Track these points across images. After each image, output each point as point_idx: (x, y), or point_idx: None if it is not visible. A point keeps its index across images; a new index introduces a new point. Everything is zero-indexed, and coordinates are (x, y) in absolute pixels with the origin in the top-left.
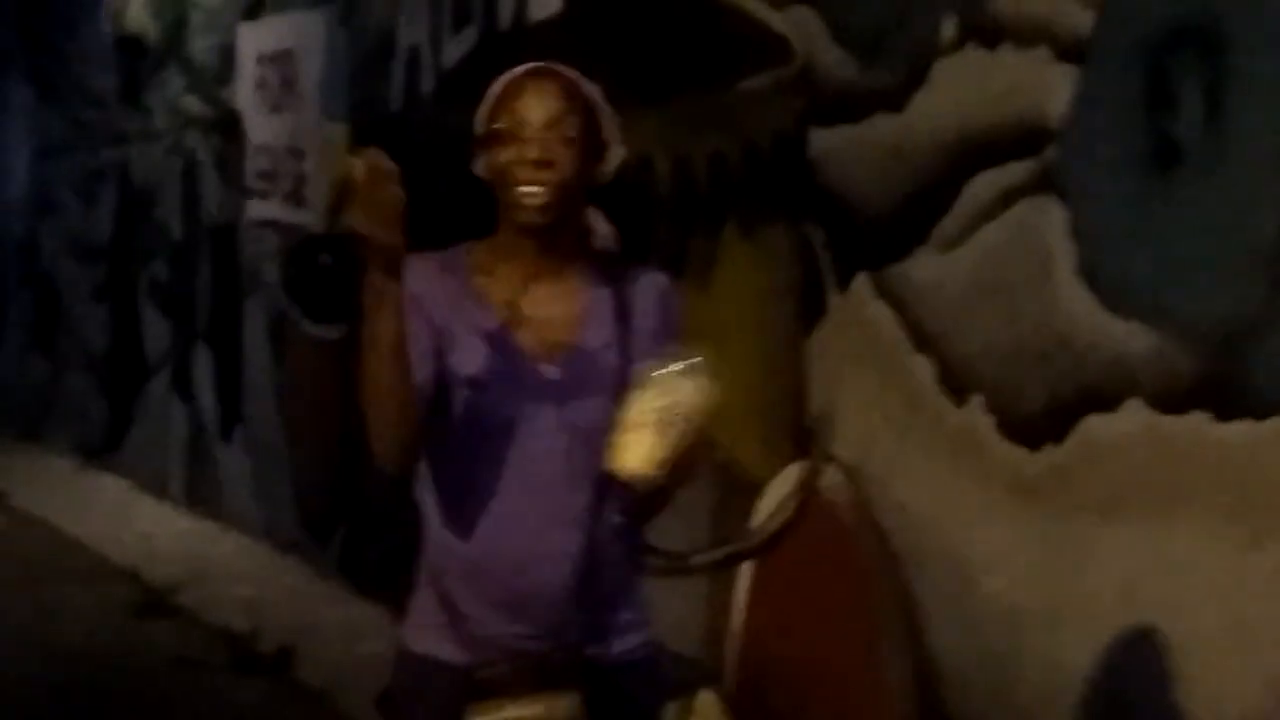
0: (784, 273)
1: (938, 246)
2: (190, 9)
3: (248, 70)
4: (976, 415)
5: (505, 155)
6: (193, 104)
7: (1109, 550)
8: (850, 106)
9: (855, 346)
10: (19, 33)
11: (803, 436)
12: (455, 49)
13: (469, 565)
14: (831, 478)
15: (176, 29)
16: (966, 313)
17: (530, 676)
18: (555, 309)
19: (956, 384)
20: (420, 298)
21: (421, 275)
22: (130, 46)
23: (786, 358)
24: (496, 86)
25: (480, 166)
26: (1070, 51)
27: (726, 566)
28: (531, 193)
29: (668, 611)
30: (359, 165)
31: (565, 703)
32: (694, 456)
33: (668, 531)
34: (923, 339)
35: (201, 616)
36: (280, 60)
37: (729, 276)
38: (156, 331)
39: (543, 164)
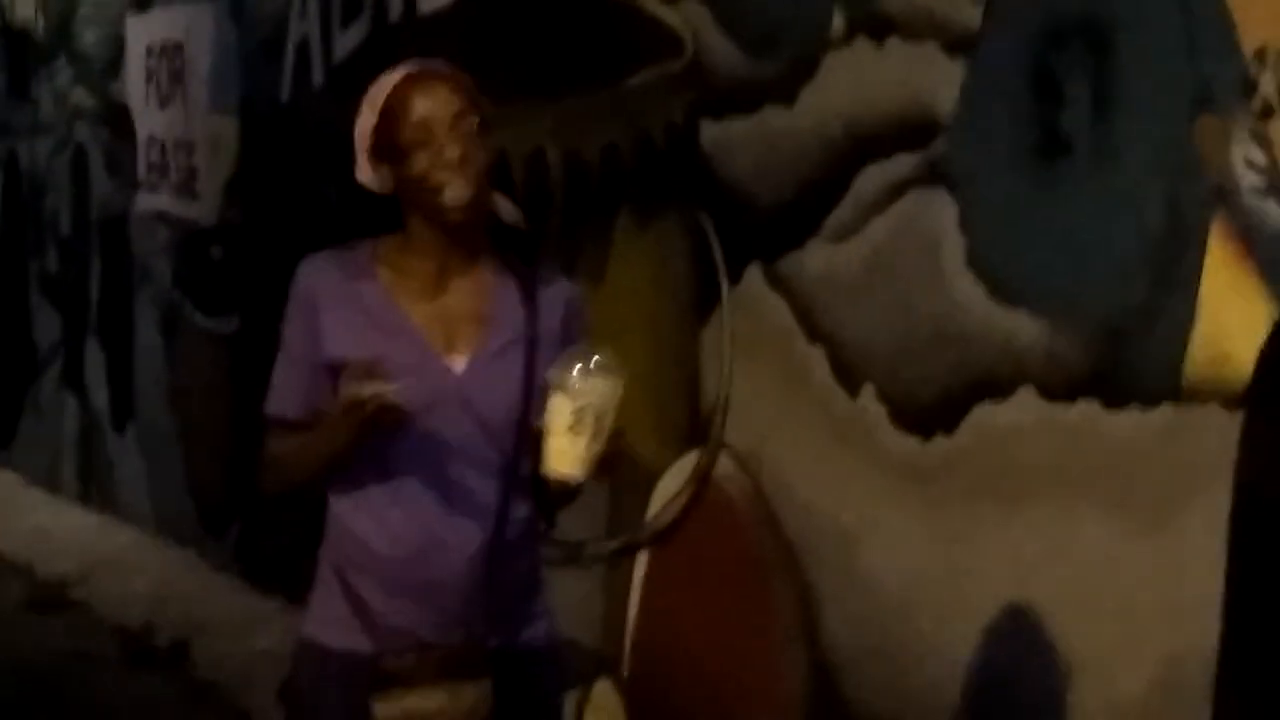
0: (677, 264)
1: (829, 238)
2: (78, 1)
3: (137, 62)
4: (869, 405)
5: (419, 162)
6: (81, 96)
7: (1000, 539)
8: (741, 99)
9: (749, 337)
10: None
11: (698, 427)
12: (346, 42)
13: (376, 555)
14: (726, 468)
15: (64, 20)
16: (858, 303)
17: (436, 666)
18: (465, 304)
19: (849, 374)
20: (315, 295)
21: (318, 273)
22: (17, 38)
23: (681, 349)
24: (379, 96)
25: (379, 178)
26: (958, 45)
27: (622, 556)
28: (458, 194)
29: (564, 600)
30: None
31: (471, 691)
32: (614, 450)
33: (564, 521)
34: (815, 329)
35: (96, 611)
36: (169, 52)
37: (623, 268)
38: (46, 324)
39: (463, 162)
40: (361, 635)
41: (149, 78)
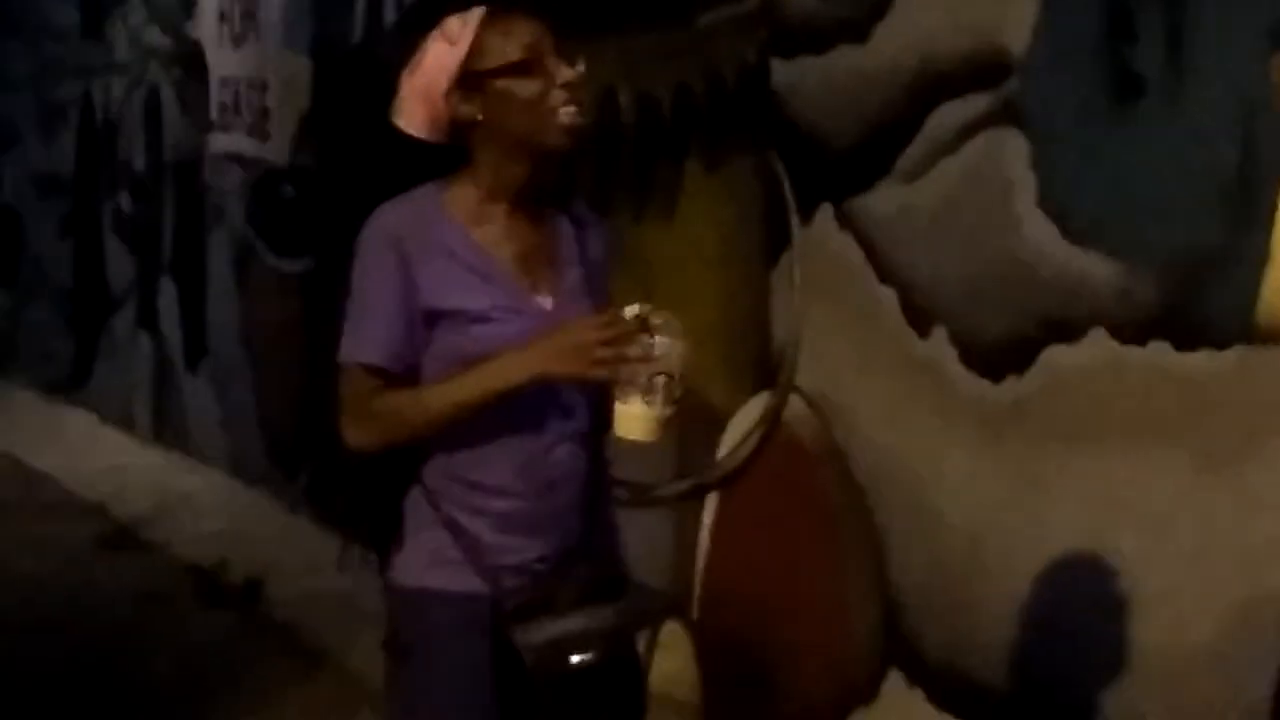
0: (748, 205)
1: (901, 178)
2: None
3: (209, 2)
4: (940, 346)
5: (530, 85)
6: (154, 36)
7: (1071, 480)
8: (813, 38)
9: (819, 278)
10: None
11: (768, 369)
12: None
13: (490, 494)
14: (796, 409)
15: None
16: (929, 244)
17: (575, 591)
18: (537, 243)
19: (920, 315)
20: (400, 243)
21: (398, 221)
22: None
23: (751, 290)
24: (466, 29)
25: (466, 112)
26: None
27: (692, 498)
28: (570, 114)
29: (634, 542)
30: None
31: (610, 612)
32: (682, 406)
33: (632, 462)
34: (886, 270)
35: (168, 550)
36: None
37: (693, 208)
38: (121, 265)
39: (576, 84)
40: (476, 577)
41: (222, 17)
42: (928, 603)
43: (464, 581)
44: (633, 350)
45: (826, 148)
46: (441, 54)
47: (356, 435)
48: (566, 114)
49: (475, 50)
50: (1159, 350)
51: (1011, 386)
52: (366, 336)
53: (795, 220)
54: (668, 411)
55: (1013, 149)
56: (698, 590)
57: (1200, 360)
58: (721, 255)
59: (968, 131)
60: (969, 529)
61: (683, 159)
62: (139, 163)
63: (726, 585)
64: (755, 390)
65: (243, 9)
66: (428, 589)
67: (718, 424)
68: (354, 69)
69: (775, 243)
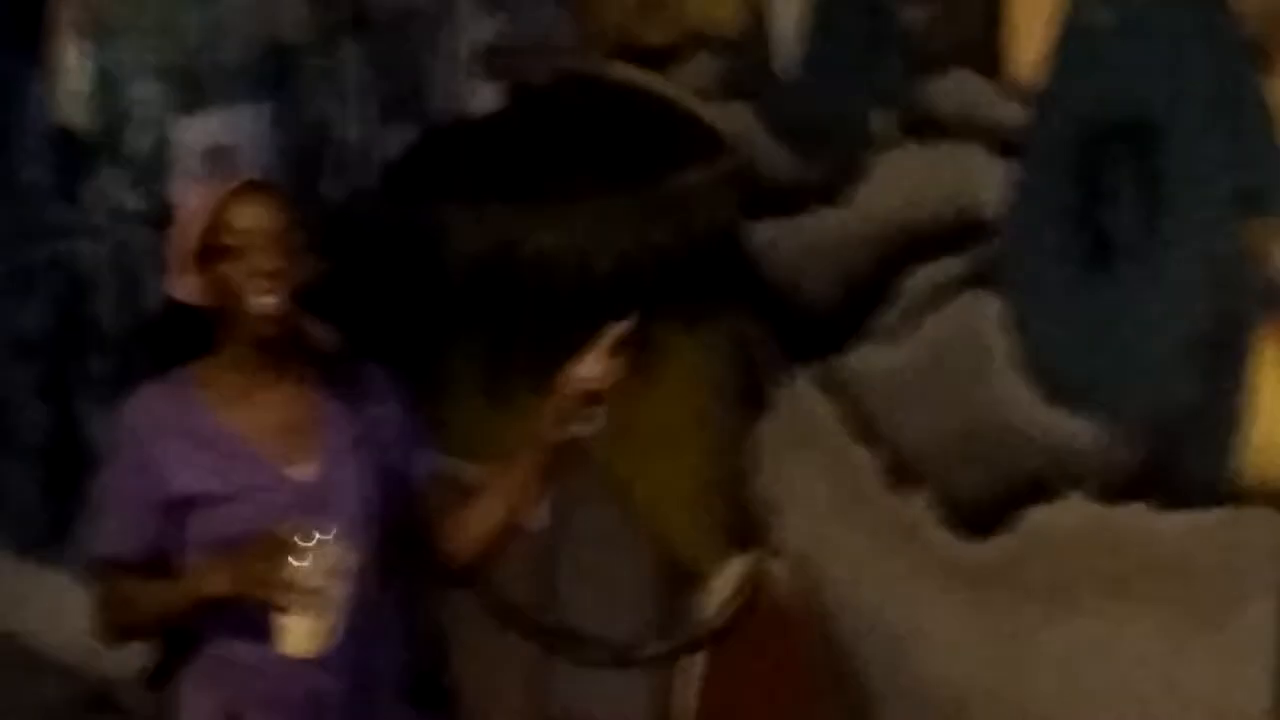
0: (726, 365)
1: (879, 340)
2: (128, 103)
3: (186, 164)
4: (920, 506)
5: (234, 269)
6: (130, 198)
7: (1053, 640)
8: (788, 200)
9: (799, 438)
10: None
11: (749, 529)
12: (394, 143)
13: (254, 667)
14: (778, 569)
15: (113, 122)
16: (908, 405)
17: None
18: (294, 413)
19: (900, 475)
20: (141, 429)
21: (141, 407)
22: (65, 140)
23: (730, 449)
24: (205, 202)
25: (188, 285)
26: (1006, 146)
27: (671, 659)
28: (267, 304)
29: (613, 701)
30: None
31: None
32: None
33: (612, 620)
34: (865, 431)
35: (148, 712)
36: (219, 154)
37: (671, 368)
38: (98, 425)
39: (275, 274)
40: None
41: (199, 180)
42: None
43: None
44: (283, 571)
45: (804, 308)
46: (189, 223)
47: (97, 627)
48: (260, 304)
49: (212, 226)
50: (1139, 511)
51: (993, 546)
52: (104, 530)
53: (773, 381)
54: (322, 624)
55: (990, 310)
56: None
57: (1180, 521)
58: (700, 414)
59: (945, 293)
60: (953, 691)
61: (659, 319)
62: (113, 324)
63: None
64: (736, 550)
65: (219, 171)
66: None
67: (698, 584)
68: (333, 229)
69: (754, 402)
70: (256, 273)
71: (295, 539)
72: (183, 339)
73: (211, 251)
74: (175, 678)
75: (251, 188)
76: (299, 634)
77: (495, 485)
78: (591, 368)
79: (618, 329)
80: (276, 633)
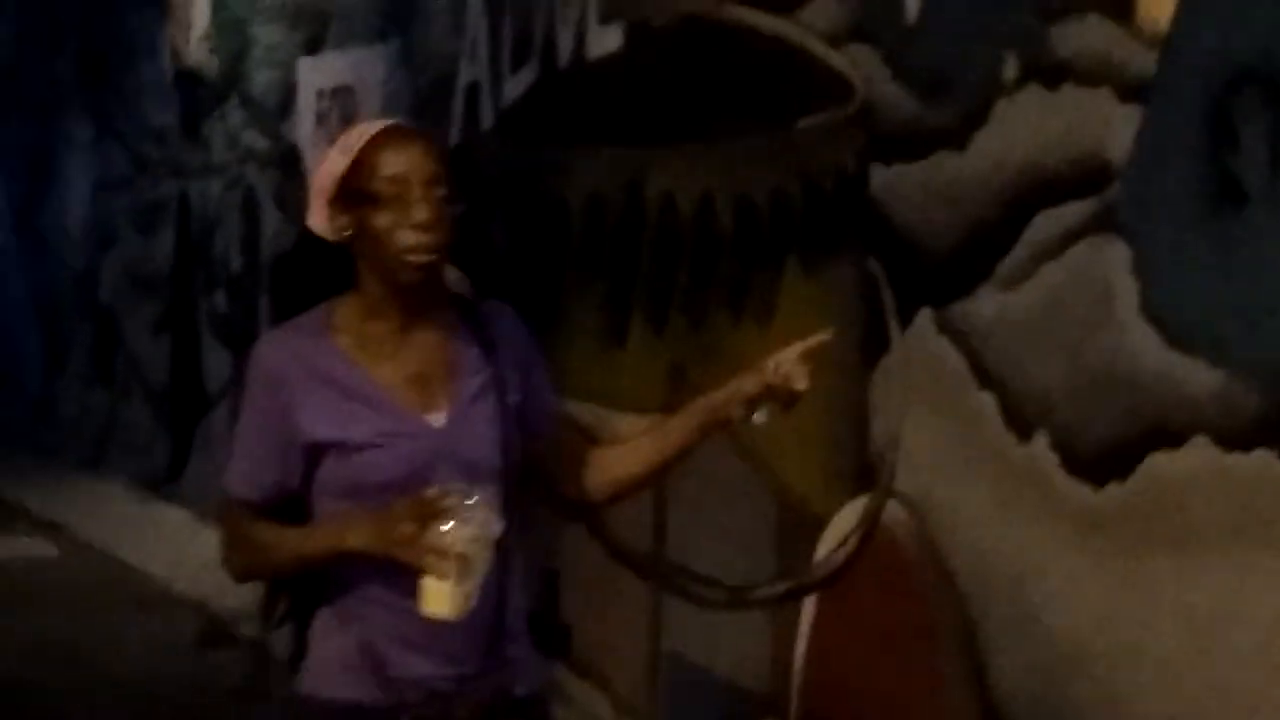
0: (846, 309)
1: (1001, 284)
2: (250, 44)
3: (307, 105)
4: (1041, 452)
5: (385, 218)
6: (253, 138)
7: (1175, 590)
8: (911, 144)
9: (918, 383)
10: (78, 68)
11: (866, 472)
12: (515, 86)
13: (386, 608)
14: (895, 513)
15: (236, 63)
16: (1030, 350)
17: (464, 710)
18: (430, 358)
19: (1020, 420)
20: (279, 374)
21: (279, 350)
22: (189, 81)
23: (850, 393)
24: (353, 143)
25: (336, 226)
26: (1133, 91)
27: (789, 600)
28: (421, 256)
29: (731, 643)
30: None
31: None
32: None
33: (730, 564)
34: (986, 376)
35: (267, 646)
36: (340, 95)
37: (792, 313)
38: (217, 363)
39: (431, 225)
40: (374, 688)
41: (319, 120)
42: (1029, 709)
43: (362, 692)
44: (430, 536)
45: (925, 253)
46: (332, 162)
47: (228, 564)
48: (413, 256)
49: (357, 167)
50: (1264, 458)
51: (1114, 493)
52: (236, 471)
53: (894, 324)
54: (468, 586)
55: (1114, 255)
56: (795, 691)
57: None
58: (820, 360)
59: (1069, 238)
60: (1071, 634)
61: (780, 264)
62: (235, 262)
63: (824, 687)
64: (854, 493)
65: (340, 112)
66: (332, 699)
67: (816, 526)
68: (452, 169)
69: (874, 347)
70: (411, 223)
71: (445, 503)
72: (311, 276)
73: (357, 195)
74: (300, 615)
75: (399, 133)
76: (440, 597)
77: (652, 434)
78: (799, 367)
79: (823, 336)
80: (418, 592)
